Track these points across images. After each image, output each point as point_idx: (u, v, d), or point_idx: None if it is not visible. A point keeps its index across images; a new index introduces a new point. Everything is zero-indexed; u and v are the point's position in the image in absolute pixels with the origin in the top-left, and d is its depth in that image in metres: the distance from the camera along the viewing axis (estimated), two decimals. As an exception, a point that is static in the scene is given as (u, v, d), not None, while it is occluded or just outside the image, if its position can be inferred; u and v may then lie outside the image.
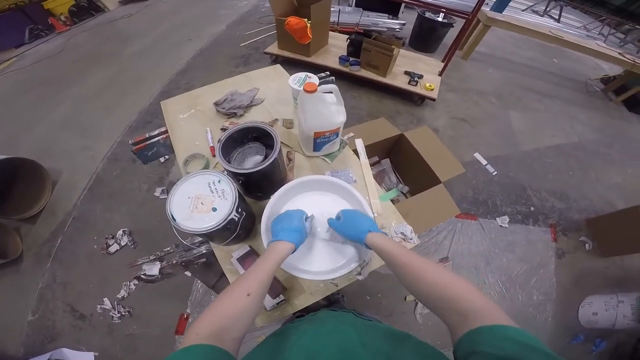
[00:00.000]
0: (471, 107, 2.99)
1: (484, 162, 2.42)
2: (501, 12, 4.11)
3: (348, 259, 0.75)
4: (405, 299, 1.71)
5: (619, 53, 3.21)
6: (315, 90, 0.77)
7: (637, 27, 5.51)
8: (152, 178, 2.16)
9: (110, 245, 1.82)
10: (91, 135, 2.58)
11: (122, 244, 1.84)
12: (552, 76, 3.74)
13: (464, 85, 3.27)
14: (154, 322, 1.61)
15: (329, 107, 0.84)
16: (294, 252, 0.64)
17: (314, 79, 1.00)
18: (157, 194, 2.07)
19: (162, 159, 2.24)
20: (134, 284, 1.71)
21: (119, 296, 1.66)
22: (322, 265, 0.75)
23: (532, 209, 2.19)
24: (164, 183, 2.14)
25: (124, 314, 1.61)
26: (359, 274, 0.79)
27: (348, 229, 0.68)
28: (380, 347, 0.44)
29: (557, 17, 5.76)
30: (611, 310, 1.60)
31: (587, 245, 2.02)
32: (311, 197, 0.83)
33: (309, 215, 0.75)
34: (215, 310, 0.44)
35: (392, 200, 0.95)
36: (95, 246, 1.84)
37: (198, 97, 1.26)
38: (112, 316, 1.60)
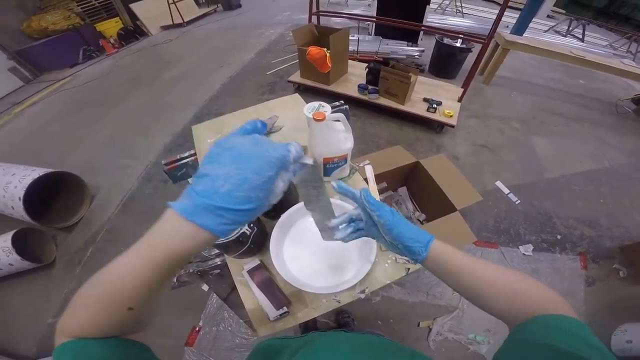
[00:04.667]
0: (493, 133, 2.95)
1: (506, 190, 2.35)
2: (521, 35, 4.12)
3: (351, 277, 0.78)
4: (418, 325, 1.66)
5: (645, 70, 3.08)
6: (323, 119, 0.83)
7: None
8: (181, 199, 2.32)
9: (136, 258, 1.97)
10: (130, 154, 2.84)
11: (148, 257, 1.98)
12: (579, 98, 3.63)
13: (486, 110, 3.25)
14: (168, 333, 1.67)
15: (338, 135, 0.91)
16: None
17: (327, 107, 1.08)
18: (184, 214, 2.21)
19: (190, 181, 2.37)
20: (153, 295, 1.81)
21: (137, 306, 1.77)
22: (324, 280, 0.80)
23: (558, 237, 2.08)
24: (191, 204, 2.28)
25: (140, 322, 1.70)
26: (363, 292, 0.82)
27: (408, 229, 0.48)
28: (373, 355, 0.43)
29: (581, 37, 5.64)
30: (647, 337, 1.49)
31: (621, 272, 1.90)
32: None
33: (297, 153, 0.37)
34: (87, 316, 0.30)
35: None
36: (123, 258, 2.00)
37: (225, 123, 1.39)
38: (129, 324, 1.70)
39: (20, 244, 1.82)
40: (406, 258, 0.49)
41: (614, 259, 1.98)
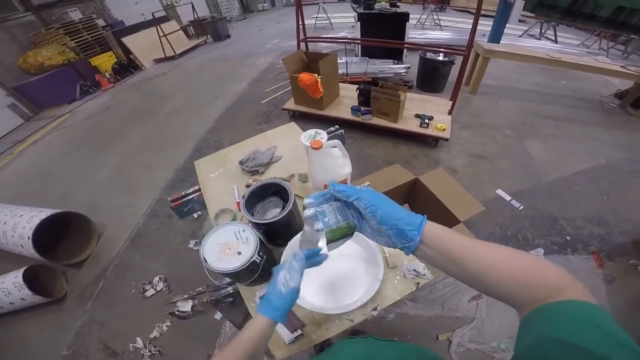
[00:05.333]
0: (487, 142, 2.99)
1: (507, 197, 2.35)
2: (498, 42, 4.29)
3: (361, 295, 0.80)
4: (437, 338, 1.63)
5: (621, 66, 3.18)
6: (320, 147, 0.87)
7: (633, 36, 5.46)
8: (186, 232, 2.34)
9: (146, 290, 1.97)
10: (133, 192, 2.88)
11: (158, 289, 1.98)
12: (564, 99, 3.72)
13: (477, 120, 3.32)
14: (184, 361, 1.65)
15: (335, 160, 0.94)
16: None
17: (323, 134, 1.13)
18: (190, 245, 2.22)
19: (195, 215, 2.39)
20: (166, 325, 1.80)
21: (151, 336, 1.75)
22: (335, 300, 0.81)
23: (568, 238, 2.06)
24: (196, 236, 2.29)
25: (154, 352, 1.68)
26: (375, 309, 0.82)
27: (394, 209, 0.43)
28: None
29: (553, 39, 5.88)
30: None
31: (639, 267, 1.87)
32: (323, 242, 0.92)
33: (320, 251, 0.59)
34: None
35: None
36: (133, 290, 2.00)
37: (225, 156, 1.44)
38: (143, 354, 1.67)
39: (32, 279, 1.86)
40: (399, 247, 0.43)
41: (629, 254, 1.95)
